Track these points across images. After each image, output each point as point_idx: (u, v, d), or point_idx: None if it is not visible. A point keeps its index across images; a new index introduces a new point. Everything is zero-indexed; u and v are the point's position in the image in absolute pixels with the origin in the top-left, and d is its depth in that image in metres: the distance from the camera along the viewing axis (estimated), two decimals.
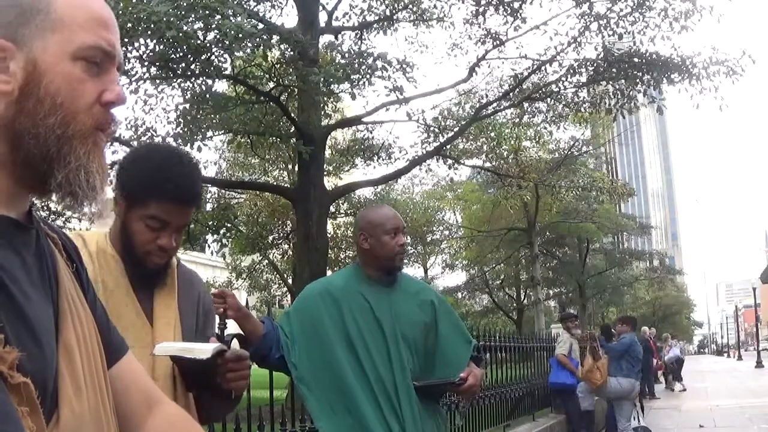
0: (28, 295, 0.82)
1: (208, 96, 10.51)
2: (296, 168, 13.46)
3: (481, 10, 11.93)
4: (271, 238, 18.69)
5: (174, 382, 1.66)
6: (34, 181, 0.86)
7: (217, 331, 2.73)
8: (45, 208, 8.84)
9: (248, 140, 13.09)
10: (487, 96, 14.78)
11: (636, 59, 11.27)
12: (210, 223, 16.17)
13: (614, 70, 11.52)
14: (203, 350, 1.58)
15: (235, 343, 2.75)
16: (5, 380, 0.73)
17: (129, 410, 1.00)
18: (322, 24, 11.91)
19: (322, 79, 9.41)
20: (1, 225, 0.83)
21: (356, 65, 9.76)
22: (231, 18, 8.35)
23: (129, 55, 9.07)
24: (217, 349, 1.61)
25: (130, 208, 1.65)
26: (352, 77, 9.60)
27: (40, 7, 0.86)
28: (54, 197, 0.88)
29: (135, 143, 10.21)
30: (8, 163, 0.84)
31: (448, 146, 13.45)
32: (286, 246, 19.17)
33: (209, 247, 19.70)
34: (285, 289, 21.18)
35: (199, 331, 1.83)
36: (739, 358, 46.79)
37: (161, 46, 8.65)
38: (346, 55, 10.37)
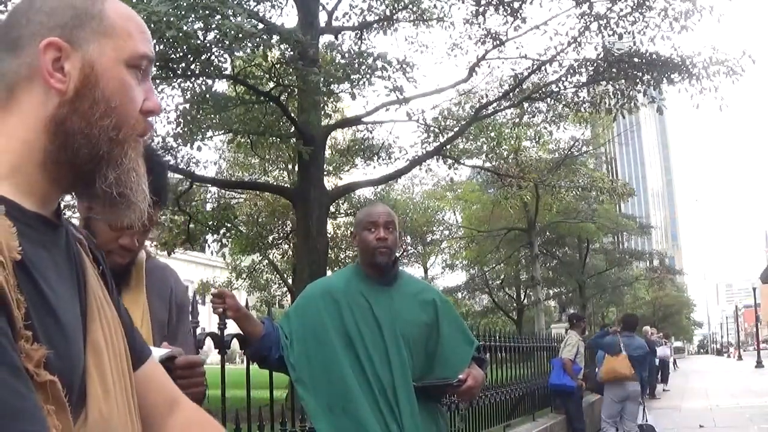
0: (58, 293, 0.82)
1: (208, 96, 10.51)
2: (296, 168, 13.46)
3: (481, 10, 11.93)
4: (271, 238, 18.68)
5: None
6: (71, 181, 0.88)
7: (216, 331, 2.74)
8: None
9: (248, 140, 13.09)
10: (487, 96, 14.77)
11: (636, 59, 11.28)
12: (210, 223, 16.17)
13: (614, 70, 11.52)
14: None
15: (234, 344, 2.75)
16: (31, 378, 0.73)
17: (151, 411, 1.00)
18: (322, 24, 11.91)
19: (322, 79, 9.40)
20: (33, 222, 0.83)
21: (356, 65, 9.76)
22: (231, 18, 8.34)
23: None
24: (164, 356, 1.55)
25: (91, 207, 1.64)
26: (352, 77, 9.60)
27: (93, 12, 0.88)
28: (97, 197, 0.89)
29: None
30: (48, 161, 0.85)
31: (448, 146, 13.45)
32: (286, 246, 19.17)
33: (209, 247, 19.68)
34: (285, 289, 21.18)
35: (172, 325, 1.81)
36: (739, 358, 46.86)
37: (161, 46, 8.64)
38: (346, 55, 10.36)
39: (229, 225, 16.67)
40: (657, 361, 17.59)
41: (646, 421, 8.34)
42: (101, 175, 0.87)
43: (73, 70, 0.85)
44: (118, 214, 0.91)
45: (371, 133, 14.79)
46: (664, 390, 18.73)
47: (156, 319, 1.74)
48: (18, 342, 0.73)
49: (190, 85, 10.69)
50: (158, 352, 1.56)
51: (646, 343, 8.22)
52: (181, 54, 9.12)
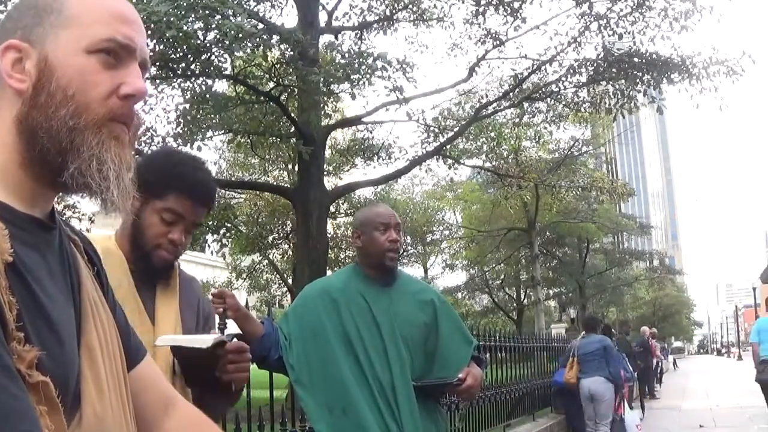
0: (50, 295, 0.82)
1: (208, 96, 10.50)
2: (296, 168, 13.45)
3: (481, 10, 11.93)
4: (271, 238, 18.68)
5: (173, 377, 1.66)
6: (52, 178, 0.87)
7: (216, 331, 2.74)
8: None
9: (248, 140, 13.08)
10: (487, 96, 14.76)
11: (636, 59, 11.27)
12: (210, 223, 16.15)
13: (614, 70, 11.52)
14: (204, 340, 1.60)
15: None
16: (24, 379, 0.74)
17: (146, 412, 1.00)
18: (322, 24, 11.90)
19: (322, 79, 9.40)
20: (25, 224, 0.83)
21: (356, 65, 9.75)
22: (231, 18, 8.35)
23: None
24: (218, 339, 1.62)
25: (146, 201, 1.68)
26: (352, 77, 9.59)
27: (53, 6, 0.87)
28: (71, 191, 0.88)
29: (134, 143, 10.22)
30: (26, 161, 0.85)
31: (448, 146, 13.44)
32: (286, 246, 19.16)
33: (209, 247, 19.67)
34: (285, 289, 21.17)
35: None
36: (739, 358, 46.82)
37: (161, 46, 8.64)
38: (346, 55, 10.35)
39: (229, 225, 16.67)
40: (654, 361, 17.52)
41: (621, 417, 8.28)
42: (66, 167, 0.85)
43: (32, 68, 0.85)
44: (100, 206, 0.88)
45: (371, 133, 14.79)
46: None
47: (185, 326, 1.77)
48: (10, 343, 0.73)
49: (190, 85, 10.68)
50: (210, 337, 1.62)
51: (605, 338, 8.15)
52: (181, 54, 9.12)
